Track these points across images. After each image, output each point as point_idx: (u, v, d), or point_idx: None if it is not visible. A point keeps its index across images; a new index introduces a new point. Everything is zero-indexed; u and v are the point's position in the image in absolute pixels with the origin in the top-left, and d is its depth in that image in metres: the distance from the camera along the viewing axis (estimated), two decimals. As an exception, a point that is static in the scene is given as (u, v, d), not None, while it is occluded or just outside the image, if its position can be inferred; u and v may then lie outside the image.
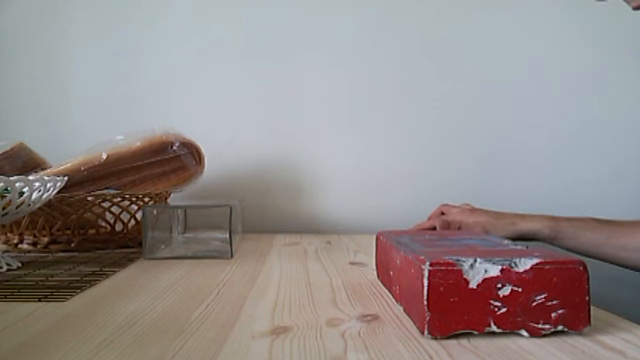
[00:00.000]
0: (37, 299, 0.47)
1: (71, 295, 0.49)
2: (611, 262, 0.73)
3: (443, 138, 1.09)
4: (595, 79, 1.08)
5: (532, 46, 1.09)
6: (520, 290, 0.35)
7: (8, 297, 0.49)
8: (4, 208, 0.58)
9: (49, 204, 0.73)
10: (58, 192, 0.68)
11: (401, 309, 0.43)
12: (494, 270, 0.35)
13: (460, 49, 1.09)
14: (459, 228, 0.78)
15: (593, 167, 1.07)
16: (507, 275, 0.35)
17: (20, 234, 0.78)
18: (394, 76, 1.09)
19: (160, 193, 0.84)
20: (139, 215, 0.80)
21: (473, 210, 0.82)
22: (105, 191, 0.79)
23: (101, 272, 0.60)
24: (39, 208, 0.69)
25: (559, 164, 1.08)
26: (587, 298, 0.35)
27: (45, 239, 0.77)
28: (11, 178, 0.57)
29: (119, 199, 0.78)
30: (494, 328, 0.35)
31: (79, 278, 0.56)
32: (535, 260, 0.35)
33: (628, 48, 1.08)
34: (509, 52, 1.09)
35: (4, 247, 0.78)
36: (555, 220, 0.75)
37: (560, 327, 0.35)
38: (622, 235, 0.73)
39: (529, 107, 1.09)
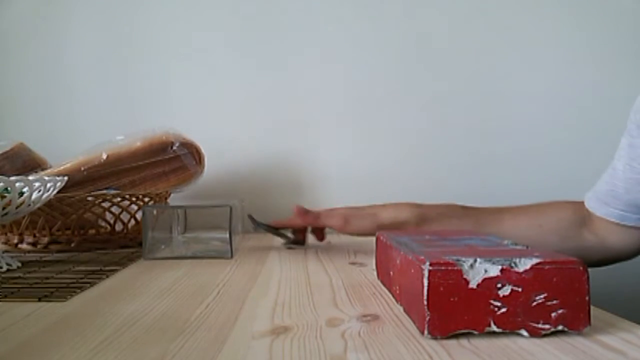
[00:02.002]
0: (37, 299, 0.47)
1: (71, 295, 0.49)
2: None
3: (441, 137, 1.09)
4: (592, 78, 1.08)
5: (528, 46, 1.09)
6: (520, 290, 0.35)
7: (8, 297, 0.49)
8: (4, 208, 0.58)
9: (49, 204, 0.73)
10: (58, 192, 0.68)
11: (401, 309, 0.43)
12: (494, 270, 0.35)
13: (459, 49, 1.09)
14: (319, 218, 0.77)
15: (586, 167, 1.07)
16: (507, 275, 0.35)
17: (20, 234, 0.78)
18: (393, 75, 1.09)
19: (160, 193, 0.84)
20: (139, 215, 0.80)
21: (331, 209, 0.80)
22: (105, 191, 0.79)
23: (101, 272, 0.60)
24: (39, 208, 0.69)
25: (552, 163, 1.08)
26: (587, 298, 0.35)
27: (45, 239, 0.77)
28: (11, 178, 0.57)
29: (119, 199, 0.78)
30: (494, 328, 0.35)
31: (79, 278, 0.56)
32: (535, 260, 0.35)
33: (627, 49, 1.08)
34: (506, 52, 1.09)
35: (4, 247, 0.78)
36: (420, 208, 0.75)
37: (560, 327, 0.35)
38: (489, 222, 0.73)
39: (525, 107, 1.09)
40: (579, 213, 0.73)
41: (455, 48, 1.09)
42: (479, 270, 0.35)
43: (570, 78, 1.08)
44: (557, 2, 1.09)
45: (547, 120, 1.08)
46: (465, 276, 0.35)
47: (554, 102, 1.08)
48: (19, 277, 0.57)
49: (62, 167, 0.80)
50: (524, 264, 0.35)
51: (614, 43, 1.08)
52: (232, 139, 1.07)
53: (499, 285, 0.35)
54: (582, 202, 0.74)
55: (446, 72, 1.09)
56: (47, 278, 0.57)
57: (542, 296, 0.35)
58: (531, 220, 0.74)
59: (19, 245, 0.78)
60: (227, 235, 0.69)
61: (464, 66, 1.09)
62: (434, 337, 0.35)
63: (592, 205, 0.71)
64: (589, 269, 0.35)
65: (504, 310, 0.35)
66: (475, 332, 0.35)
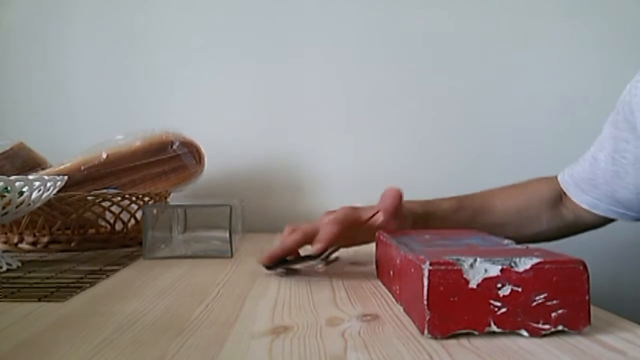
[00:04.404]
0: (37, 299, 0.47)
1: (71, 295, 0.49)
2: None
3: (442, 137, 1.09)
4: (600, 80, 1.08)
5: (532, 46, 1.09)
6: (520, 290, 0.35)
7: (8, 297, 0.49)
8: (3, 208, 0.58)
9: (48, 203, 0.73)
10: (58, 192, 0.68)
11: (401, 308, 0.43)
12: (494, 270, 0.35)
13: (462, 49, 1.09)
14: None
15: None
16: (507, 275, 0.35)
17: (20, 234, 0.78)
18: (393, 76, 1.09)
19: (160, 192, 0.84)
20: (139, 215, 0.80)
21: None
22: (105, 191, 0.79)
23: (101, 272, 0.60)
24: (39, 208, 0.69)
25: (558, 164, 1.08)
26: (587, 298, 0.35)
27: (45, 239, 0.77)
28: (11, 178, 0.57)
29: (119, 198, 0.78)
30: (494, 328, 0.35)
31: (79, 278, 0.56)
32: (535, 260, 0.35)
33: (630, 51, 1.07)
34: (511, 52, 1.09)
35: (4, 246, 0.78)
36: (425, 203, 0.74)
37: (560, 327, 0.35)
38: (482, 214, 0.73)
39: (531, 107, 1.08)
40: (555, 191, 0.75)
41: (459, 48, 1.09)
42: (479, 270, 0.35)
43: (579, 79, 1.08)
44: (564, 3, 1.08)
45: (554, 121, 1.08)
46: (465, 276, 0.35)
47: (560, 103, 1.08)
48: (19, 277, 0.57)
49: (62, 167, 0.80)
50: (524, 264, 0.35)
51: (621, 44, 1.07)
52: (232, 139, 1.07)
53: (499, 285, 0.35)
54: (555, 179, 0.76)
55: (449, 72, 1.09)
56: (47, 278, 0.57)
57: (542, 296, 0.35)
58: (519, 204, 0.75)
59: (19, 245, 0.78)
60: (227, 235, 0.69)
61: (468, 67, 1.09)
62: (434, 337, 0.35)
63: (570, 190, 0.73)
64: (587, 265, 0.35)
65: (504, 310, 0.35)
66: (475, 332, 0.35)
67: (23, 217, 0.74)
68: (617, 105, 0.67)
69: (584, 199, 0.71)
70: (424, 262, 0.35)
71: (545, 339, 0.35)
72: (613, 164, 0.66)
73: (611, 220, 0.72)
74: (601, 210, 0.70)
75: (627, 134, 0.64)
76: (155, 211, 0.75)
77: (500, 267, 0.35)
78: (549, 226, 0.74)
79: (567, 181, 0.74)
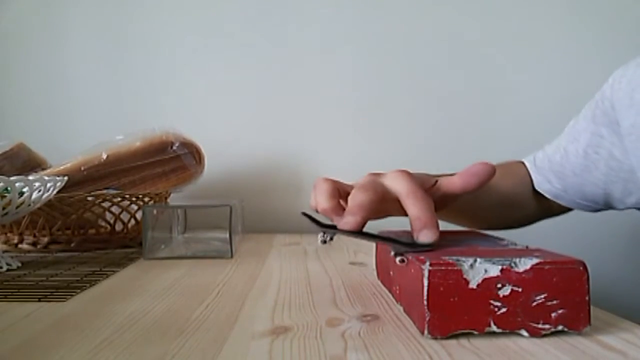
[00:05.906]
0: (37, 299, 0.47)
1: (71, 295, 0.49)
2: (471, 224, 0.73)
3: (446, 138, 1.09)
4: (595, 81, 1.08)
5: (534, 47, 1.09)
6: (520, 290, 0.35)
7: (8, 297, 0.49)
8: (4, 208, 0.58)
9: (49, 203, 0.73)
10: (58, 192, 0.68)
11: (401, 309, 0.43)
12: (494, 270, 0.35)
13: (467, 48, 1.09)
14: None
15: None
16: (507, 275, 0.35)
17: (20, 234, 0.78)
18: (396, 75, 1.09)
19: (160, 193, 0.84)
20: (139, 215, 0.80)
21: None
22: (105, 191, 0.79)
23: (101, 272, 0.60)
24: (39, 208, 0.69)
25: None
26: (587, 298, 0.35)
27: (45, 239, 0.77)
28: (11, 178, 0.57)
29: (119, 199, 0.78)
30: (494, 328, 0.35)
31: (79, 278, 0.56)
32: (535, 260, 0.35)
33: (630, 51, 1.07)
34: (513, 53, 1.09)
35: (4, 247, 0.78)
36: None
37: (560, 327, 0.35)
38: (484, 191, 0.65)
39: (529, 108, 1.09)
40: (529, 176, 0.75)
41: (460, 49, 1.09)
42: (479, 270, 0.35)
43: (579, 79, 1.08)
44: (564, 3, 1.08)
45: (554, 121, 1.07)
46: (465, 276, 0.35)
47: (561, 103, 1.08)
48: (19, 277, 0.57)
49: (62, 167, 0.80)
50: (524, 264, 0.35)
51: (621, 44, 1.07)
52: (232, 139, 1.07)
53: (499, 285, 0.35)
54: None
55: (454, 71, 1.09)
56: (47, 278, 0.57)
57: (542, 296, 0.35)
58: (511, 187, 0.74)
59: (19, 245, 0.78)
60: (227, 235, 0.69)
61: (473, 67, 1.09)
62: (434, 337, 0.35)
63: (537, 178, 0.72)
64: (587, 265, 0.35)
65: (504, 310, 0.35)
66: (475, 332, 0.35)
67: (23, 217, 0.74)
68: (596, 98, 0.66)
69: (547, 187, 0.70)
70: (424, 263, 0.35)
71: (545, 339, 0.35)
72: (585, 158, 0.66)
73: (570, 209, 0.72)
74: (564, 201, 0.69)
75: (603, 129, 0.64)
76: (155, 211, 0.75)
77: (500, 268, 0.35)
78: (527, 212, 0.73)
79: (534, 170, 0.73)
